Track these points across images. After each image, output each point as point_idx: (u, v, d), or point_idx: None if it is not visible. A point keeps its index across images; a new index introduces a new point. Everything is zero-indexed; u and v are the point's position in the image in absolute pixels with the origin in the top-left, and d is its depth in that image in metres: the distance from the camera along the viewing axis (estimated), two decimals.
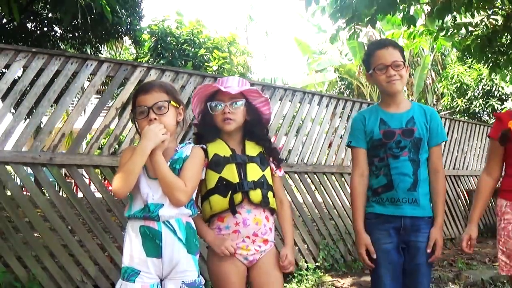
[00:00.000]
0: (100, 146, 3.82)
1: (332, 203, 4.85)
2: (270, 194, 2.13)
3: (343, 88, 17.62)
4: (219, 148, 2.12)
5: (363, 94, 15.98)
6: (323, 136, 4.89)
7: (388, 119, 2.21)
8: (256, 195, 2.08)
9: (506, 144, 2.21)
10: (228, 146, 2.13)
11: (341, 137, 5.13)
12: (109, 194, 3.48)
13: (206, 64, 8.50)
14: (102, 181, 4.58)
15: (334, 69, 16.05)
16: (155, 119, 1.88)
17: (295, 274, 4.23)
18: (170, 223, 1.88)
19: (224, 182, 2.06)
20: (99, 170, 3.57)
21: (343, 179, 5.01)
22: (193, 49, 8.83)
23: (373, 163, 2.22)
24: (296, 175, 4.63)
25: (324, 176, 4.85)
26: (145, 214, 1.85)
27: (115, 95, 7.10)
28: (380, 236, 2.16)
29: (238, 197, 2.05)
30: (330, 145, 5.02)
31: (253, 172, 2.11)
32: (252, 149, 2.17)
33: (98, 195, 3.56)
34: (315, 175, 4.76)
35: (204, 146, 2.06)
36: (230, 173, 2.07)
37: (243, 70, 10.57)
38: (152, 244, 1.86)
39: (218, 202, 2.06)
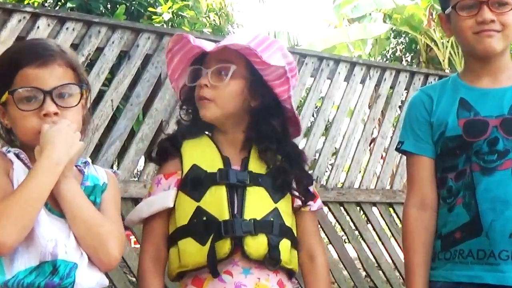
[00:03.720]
0: None
1: (375, 258, 4.88)
2: (284, 244, 2.17)
3: (401, 50, 17.52)
4: (202, 154, 2.22)
5: (436, 59, 15.83)
6: (357, 136, 4.91)
7: (476, 100, 2.22)
8: (255, 245, 2.11)
9: None
10: (220, 151, 2.22)
11: (391, 137, 5.11)
12: None
13: (151, 9, 8.35)
14: None
15: (383, 16, 15.89)
16: (56, 114, 1.92)
17: None
18: None
19: (204, 218, 2.11)
20: None
21: (393, 214, 5.00)
22: None
23: (445, 183, 2.23)
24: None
25: (359, 208, 4.90)
26: (49, 281, 1.84)
27: None
28: None
29: (225, 246, 2.08)
30: (370, 152, 5.12)
31: (257, 202, 2.16)
32: (260, 163, 2.24)
33: None
34: (341, 208, 4.81)
35: (119, 173, 2.23)
36: (215, 201, 2.13)
37: (218, 20, 10.48)
38: None
39: (192, 252, 2.10)
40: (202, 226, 2.10)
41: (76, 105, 1.97)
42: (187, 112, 2.31)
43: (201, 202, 2.12)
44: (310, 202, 2.29)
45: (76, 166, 2.04)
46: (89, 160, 2.15)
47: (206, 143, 2.24)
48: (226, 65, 2.20)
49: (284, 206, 2.20)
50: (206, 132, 2.30)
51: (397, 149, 2.39)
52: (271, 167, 2.22)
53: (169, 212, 2.18)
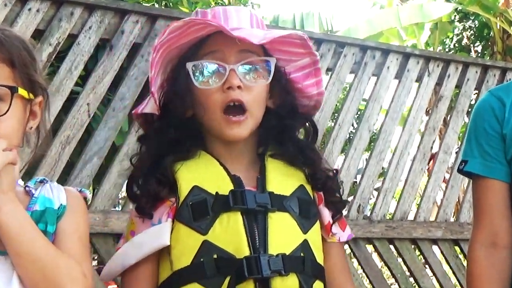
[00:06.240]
0: None
1: None
2: (318, 286, 2.11)
3: (468, 37, 17.25)
4: (204, 174, 2.11)
5: None
6: (411, 151, 4.81)
7: None
8: None
9: None
10: (226, 168, 2.11)
11: (456, 153, 5.04)
12: None
13: None
14: None
15: None
16: None
17: None
18: None
19: (215, 255, 2.03)
20: None
21: (460, 254, 4.92)
22: None
23: None
24: (344, 247, 4.27)
25: (415, 247, 4.80)
26: None
27: None
28: None
29: None
30: (429, 172, 4.94)
31: (283, 232, 2.08)
32: (283, 178, 2.16)
33: None
34: (391, 246, 4.66)
35: (87, 193, 2.11)
36: (229, 233, 2.04)
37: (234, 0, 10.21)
38: None
39: None
40: (213, 267, 2.00)
41: (5, 113, 1.89)
42: (168, 131, 2.11)
43: (208, 235, 2.03)
44: (339, 231, 2.20)
45: (25, 187, 2.01)
46: (48, 179, 2.07)
47: (207, 161, 2.10)
48: (258, 59, 2.11)
49: (314, 237, 2.11)
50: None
51: (459, 171, 2.34)
52: (299, 187, 2.12)
53: (159, 254, 2.05)
